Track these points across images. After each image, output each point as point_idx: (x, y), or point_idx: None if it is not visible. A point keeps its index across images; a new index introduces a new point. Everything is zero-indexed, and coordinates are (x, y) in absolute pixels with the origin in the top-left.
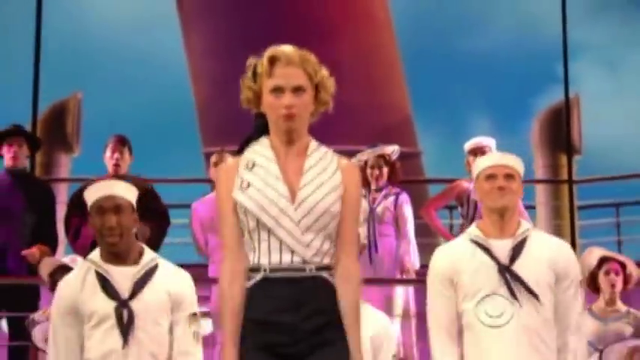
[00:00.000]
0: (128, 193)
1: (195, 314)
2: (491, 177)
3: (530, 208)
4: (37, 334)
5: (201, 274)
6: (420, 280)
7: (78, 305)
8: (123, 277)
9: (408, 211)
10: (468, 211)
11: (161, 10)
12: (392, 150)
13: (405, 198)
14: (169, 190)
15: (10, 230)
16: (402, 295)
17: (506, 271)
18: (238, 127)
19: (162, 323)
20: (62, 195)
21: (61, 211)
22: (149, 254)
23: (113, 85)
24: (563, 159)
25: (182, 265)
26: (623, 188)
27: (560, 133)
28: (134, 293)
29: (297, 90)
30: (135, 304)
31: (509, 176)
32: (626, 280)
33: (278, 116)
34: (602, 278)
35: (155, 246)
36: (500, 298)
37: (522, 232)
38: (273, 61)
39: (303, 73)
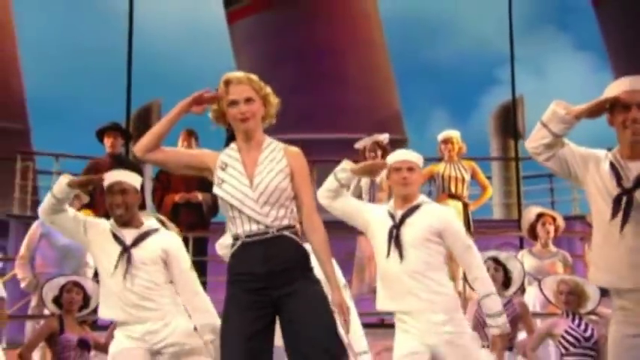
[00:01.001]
0: (133, 179)
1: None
2: (397, 170)
3: (488, 178)
4: None
5: None
6: None
7: (88, 233)
8: (128, 234)
9: None
10: (439, 184)
11: (218, 38)
12: (384, 137)
13: None
14: None
15: None
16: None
17: (395, 229)
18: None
19: (155, 269)
20: (148, 172)
21: (147, 184)
22: (151, 222)
23: (183, 94)
24: (512, 142)
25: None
26: None
27: (509, 124)
28: (135, 243)
29: (248, 100)
30: (134, 251)
31: (410, 169)
32: (556, 229)
33: (236, 121)
34: (539, 228)
35: (215, 210)
36: (392, 248)
37: (414, 204)
38: (227, 83)
39: (250, 88)
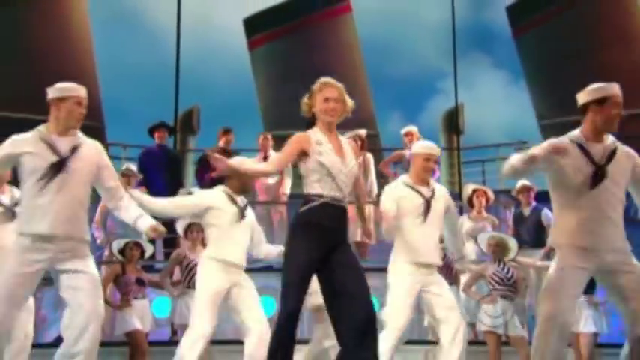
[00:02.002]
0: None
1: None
2: (427, 159)
3: (437, 163)
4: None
5: None
6: (376, 202)
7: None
8: (241, 201)
9: (372, 163)
10: (405, 166)
11: (244, 58)
12: (363, 132)
13: (369, 157)
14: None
15: (162, 178)
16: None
17: (426, 202)
18: (283, 123)
19: (251, 229)
20: (190, 159)
21: (190, 168)
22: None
23: (214, 100)
24: (455, 137)
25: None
26: (485, 152)
27: (452, 123)
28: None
29: (337, 101)
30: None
31: (435, 162)
32: (487, 200)
33: (326, 114)
34: (474, 199)
35: None
36: (418, 215)
37: (432, 186)
38: (325, 84)
39: (339, 92)
